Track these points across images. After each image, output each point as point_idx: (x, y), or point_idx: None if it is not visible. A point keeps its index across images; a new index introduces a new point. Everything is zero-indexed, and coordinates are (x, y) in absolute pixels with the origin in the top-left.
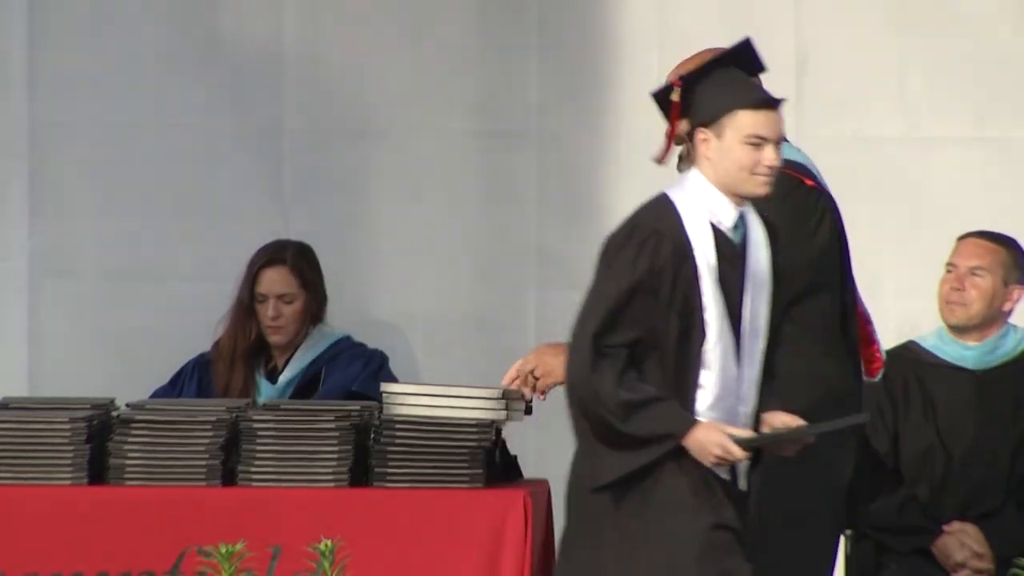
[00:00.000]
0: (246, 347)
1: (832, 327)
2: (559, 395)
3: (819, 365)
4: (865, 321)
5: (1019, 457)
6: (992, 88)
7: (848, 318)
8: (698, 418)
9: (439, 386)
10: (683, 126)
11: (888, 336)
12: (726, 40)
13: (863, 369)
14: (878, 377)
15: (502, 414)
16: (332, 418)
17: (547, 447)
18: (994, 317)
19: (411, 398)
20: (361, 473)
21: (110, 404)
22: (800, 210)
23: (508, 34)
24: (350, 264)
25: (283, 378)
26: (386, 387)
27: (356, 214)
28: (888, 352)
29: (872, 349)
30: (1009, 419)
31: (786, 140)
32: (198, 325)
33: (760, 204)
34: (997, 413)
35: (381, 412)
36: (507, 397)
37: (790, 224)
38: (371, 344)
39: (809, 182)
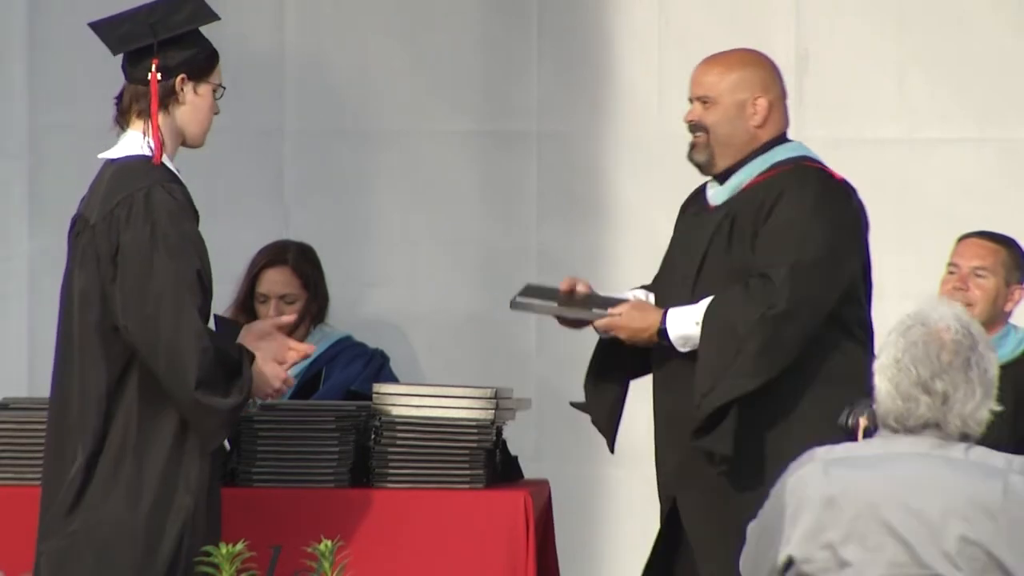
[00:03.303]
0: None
1: None
2: (559, 395)
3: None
4: None
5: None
6: (992, 89)
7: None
8: None
9: (429, 386)
10: None
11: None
12: (727, 40)
13: None
14: None
15: (491, 414)
16: (332, 418)
17: (547, 447)
18: (996, 317)
19: (400, 398)
20: (361, 473)
21: None
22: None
23: (508, 34)
24: (351, 264)
25: None
26: (377, 387)
27: (356, 214)
28: None
29: None
30: (1009, 419)
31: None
32: None
33: None
34: (997, 413)
35: (380, 413)
36: (499, 396)
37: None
38: (372, 344)
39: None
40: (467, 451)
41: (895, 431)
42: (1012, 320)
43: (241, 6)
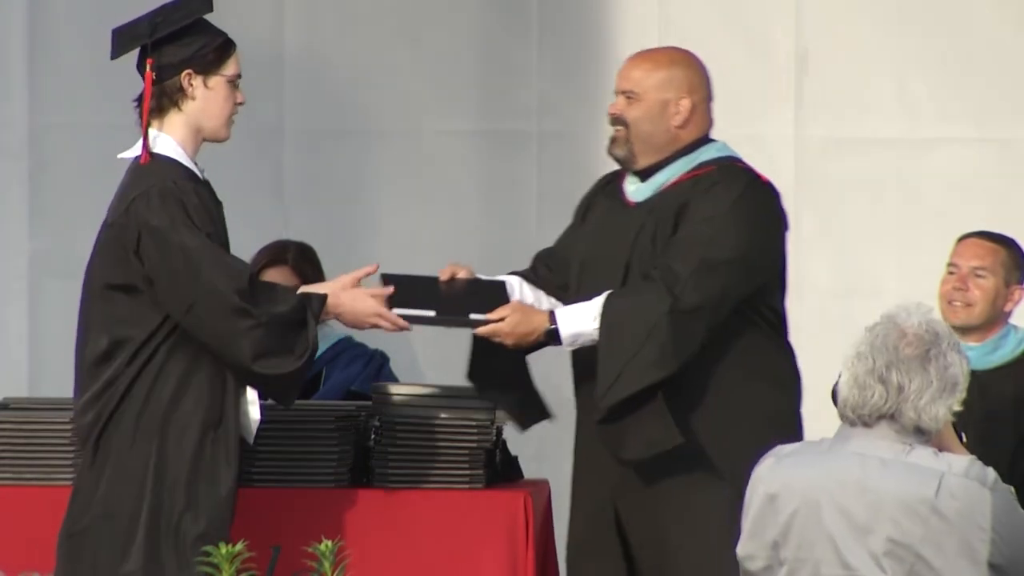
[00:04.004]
0: None
1: None
2: (559, 395)
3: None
4: None
5: (1019, 457)
6: (992, 88)
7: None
8: None
9: (429, 386)
10: None
11: None
12: (727, 40)
13: None
14: None
15: (491, 414)
16: (332, 418)
17: (547, 447)
18: (996, 317)
19: (400, 398)
20: (361, 473)
21: None
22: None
23: (508, 34)
24: (350, 264)
25: None
26: (377, 387)
27: (356, 214)
28: None
29: None
30: (1009, 419)
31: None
32: None
33: None
34: (997, 413)
35: (380, 413)
36: None
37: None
38: (372, 344)
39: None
40: (467, 451)
41: (852, 423)
42: (1012, 320)
43: (241, 6)
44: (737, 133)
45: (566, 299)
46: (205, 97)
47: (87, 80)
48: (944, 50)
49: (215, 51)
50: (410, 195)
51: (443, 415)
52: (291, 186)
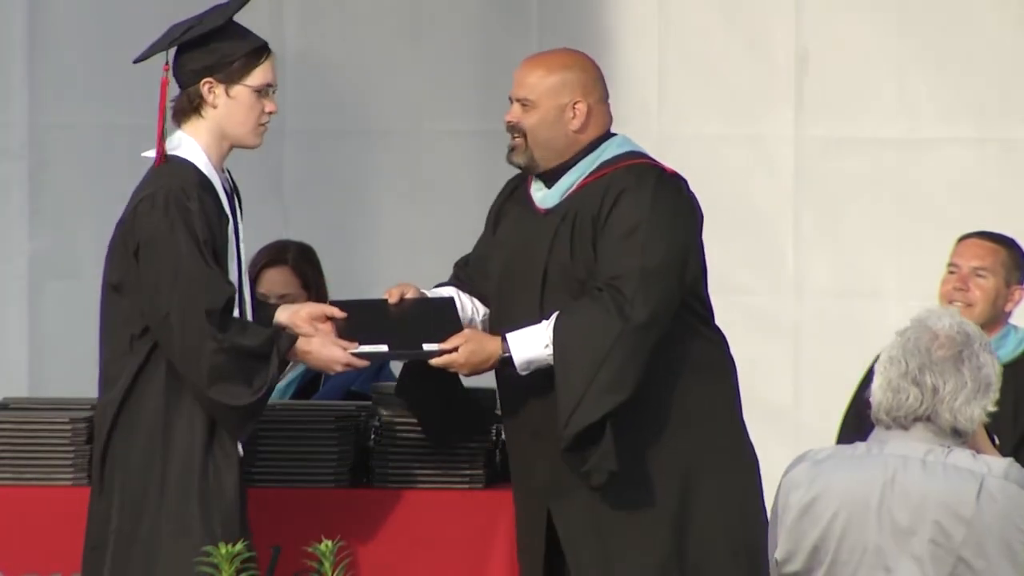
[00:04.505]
0: None
1: None
2: None
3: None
4: None
5: (1019, 457)
6: (992, 88)
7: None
8: None
9: None
10: None
11: (888, 336)
12: (727, 40)
13: None
14: None
15: (493, 413)
16: (332, 418)
17: None
18: (996, 317)
19: (397, 397)
20: (361, 473)
21: None
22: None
23: (508, 34)
24: (350, 264)
25: (284, 378)
26: (377, 387)
27: (356, 214)
28: None
29: None
30: (1009, 419)
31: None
32: None
33: None
34: (997, 413)
35: (380, 413)
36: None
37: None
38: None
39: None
40: (467, 451)
41: (888, 426)
42: (1012, 320)
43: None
44: (737, 133)
45: (489, 310)
46: (227, 106)
47: (87, 80)
48: (944, 50)
49: (241, 60)
50: (410, 195)
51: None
52: (291, 186)
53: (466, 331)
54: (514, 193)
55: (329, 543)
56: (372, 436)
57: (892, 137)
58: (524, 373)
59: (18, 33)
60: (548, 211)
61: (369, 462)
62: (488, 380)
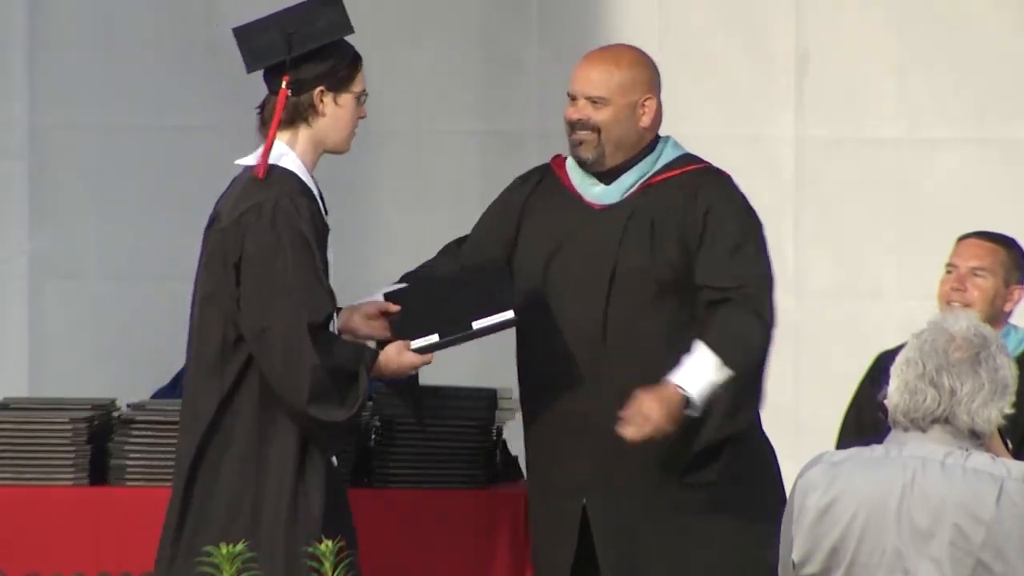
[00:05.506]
0: None
1: None
2: None
3: None
4: None
5: (1020, 457)
6: (992, 88)
7: None
8: None
9: (429, 386)
10: None
11: (888, 336)
12: (727, 40)
13: None
14: None
15: (491, 414)
16: None
17: None
18: (995, 317)
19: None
20: (361, 473)
21: (111, 404)
22: None
23: (508, 34)
24: (351, 264)
25: None
26: (377, 387)
27: (357, 215)
28: (888, 352)
29: None
30: (1010, 419)
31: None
32: None
33: None
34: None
35: (380, 413)
36: (499, 396)
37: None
38: (372, 344)
39: None
40: (467, 451)
41: (905, 428)
42: (1012, 320)
43: (241, 6)
44: (737, 133)
45: (521, 308)
46: (334, 114)
47: (87, 80)
48: (944, 50)
49: (347, 67)
50: (410, 195)
51: (443, 415)
52: None
53: (639, 396)
54: (540, 186)
55: (329, 543)
56: (373, 436)
57: (892, 137)
58: (698, 412)
59: (18, 33)
60: (606, 208)
61: (370, 462)
62: (486, 379)
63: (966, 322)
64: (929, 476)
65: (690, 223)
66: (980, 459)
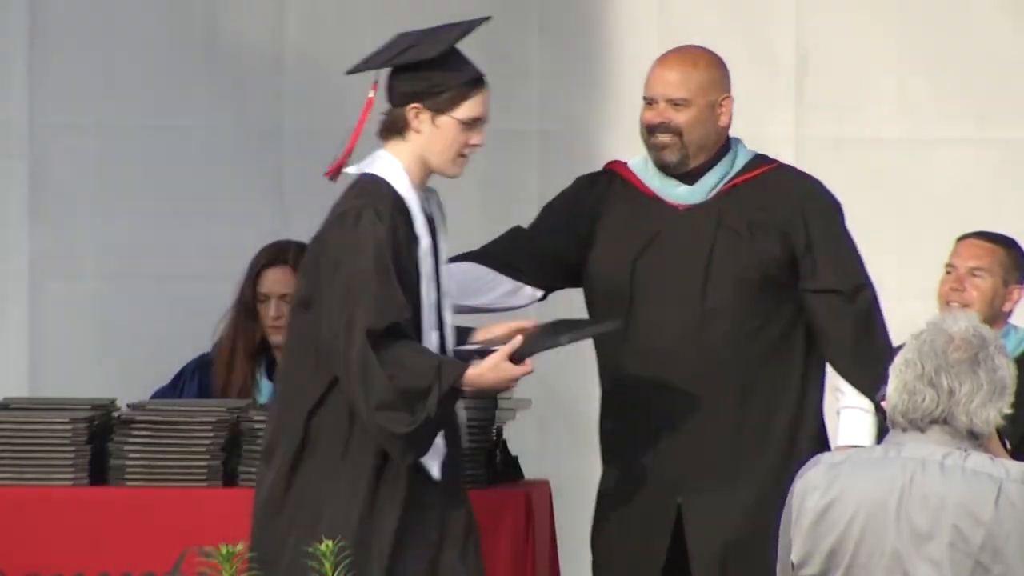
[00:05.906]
0: (247, 347)
1: None
2: (559, 395)
3: None
4: None
5: (1020, 456)
6: (993, 88)
7: None
8: None
9: None
10: None
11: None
12: (727, 40)
13: None
14: None
15: (491, 414)
16: None
17: (548, 447)
18: (995, 317)
19: None
20: None
21: (111, 405)
22: None
23: (509, 34)
24: None
25: None
26: None
27: None
28: None
29: None
30: (1009, 419)
31: None
32: (198, 325)
33: None
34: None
35: None
36: (499, 396)
37: None
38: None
39: None
40: (467, 451)
41: (904, 429)
42: (1012, 320)
43: (241, 5)
44: (738, 133)
45: (607, 307)
46: (431, 134)
47: (87, 80)
48: (944, 50)
49: (452, 92)
50: None
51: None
52: (291, 186)
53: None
54: (611, 188)
55: (329, 543)
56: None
57: (892, 137)
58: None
59: (18, 33)
60: (691, 208)
61: None
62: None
63: (965, 323)
64: (928, 477)
65: (789, 223)
66: (979, 460)
